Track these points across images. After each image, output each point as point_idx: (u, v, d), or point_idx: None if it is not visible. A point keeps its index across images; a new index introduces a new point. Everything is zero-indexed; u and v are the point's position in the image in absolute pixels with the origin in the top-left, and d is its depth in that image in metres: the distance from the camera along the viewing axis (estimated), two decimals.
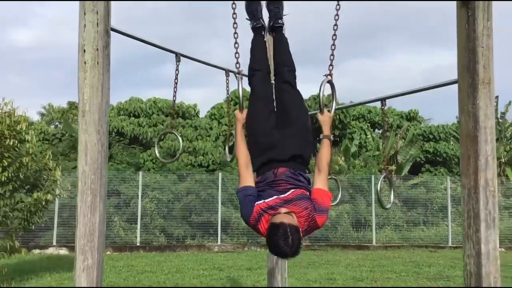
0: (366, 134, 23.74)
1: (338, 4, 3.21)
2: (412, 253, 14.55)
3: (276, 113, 3.36)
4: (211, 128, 21.64)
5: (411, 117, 25.77)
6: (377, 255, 13.92)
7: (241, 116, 3.30)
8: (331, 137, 3.24)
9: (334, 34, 3.23)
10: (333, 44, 3.20)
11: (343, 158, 20.08)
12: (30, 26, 59.29)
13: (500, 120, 22.14)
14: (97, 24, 2.96)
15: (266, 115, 3.29)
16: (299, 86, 3.55)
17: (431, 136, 23.57)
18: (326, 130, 3.24)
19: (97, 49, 2.93)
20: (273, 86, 3.51)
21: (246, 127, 3.30)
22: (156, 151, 5.58)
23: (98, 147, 2.97)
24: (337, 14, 3.25)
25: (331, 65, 3.26)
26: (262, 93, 3.39)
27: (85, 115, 2.93)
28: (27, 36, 56.19)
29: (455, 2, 3.03)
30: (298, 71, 3.55)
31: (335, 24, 3.22)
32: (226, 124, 20.97)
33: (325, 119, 3.27)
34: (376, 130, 25.72)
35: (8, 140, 8.33)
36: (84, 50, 2.93)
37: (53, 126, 27.21)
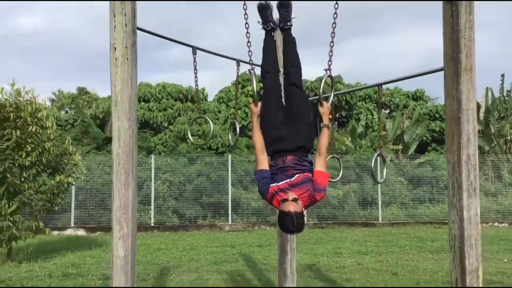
0: (372, 115, 24.04)
1: (336, 3, 3.61)
2: (417, 229, 15.02)
3: (284, 108, 3.96)
4: (219, 111, 22.07)
5: (417, 96, 25.96)
6: (383, 232, 14.41)
7: (256, 109, 3.87)
8: (330, 126, 3.83)
9: (333, 32, 3.66)
10: (332, 42, 3.64)
11: (349, 138, 20.46)
12: (32, 11, 59.51)
13: (506, 98, 22.28)
14: (126, 24, 3.38)
15: (275, 111, 3.89)
16: None
17: (437, 115, 23.81)
18: (326, 119, 3.83)
19: (126, 47, 3.36)
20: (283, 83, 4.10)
21: (260, 119, 3.87)
22: (189, 134, 6.15)
23: (129, 132, 3.40)
24: (335, 13, 3.66)
25: (330, 60, 3.73)
26: (272, 93, 3.99)
27: (117, 105, 3.36)
28: (29, 22, 56.53)
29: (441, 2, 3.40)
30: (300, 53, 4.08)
31: (334, 22, 3.63)
32: (234, 107, 21.38)
33: (324, 110, 3.84)
34: (383, 111, 25.94)
35: (30, 126, 8.83)
36: (115, 48, 3.35)
37: (63, 111, 27.74)
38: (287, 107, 3.96)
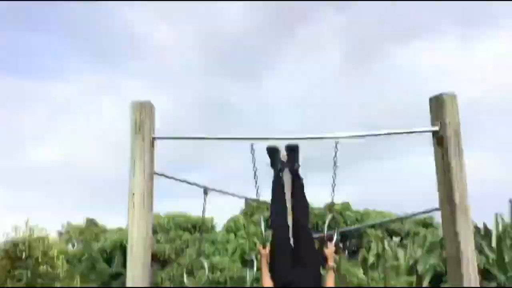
0: (382, 243, 23.61)
1: (335, 153, 4.06)
2: None
3: (293, 250, 4.11)
4: (227, 242, 21.84)
5: (427, 223, 25.77)
6: None
7: (264, 252, 4.06)
8: (334, 267, 4.04)
9: (334, 172, 4.09)
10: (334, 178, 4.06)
11: (361, 270, 19.91)
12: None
13: None
14: (144, 170, 3.72)
15: (284, 257, 4.05)
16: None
17: None
18: (330, 261, 4.02)
19: (143, 194, 3.65)
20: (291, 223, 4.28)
21: (269, 262, 4.02)
22: (185, 279, 6.19)
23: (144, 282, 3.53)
24: (335, 154, 4.07)
25: (333, 190, 4.11)
26: (281, 237, 4.16)
27: (132, 249, 3.55)
28: (44, 155, 58.21)
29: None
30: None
31: (335, 162, 4.07)
32: (243, 237, 21.29)
33: (329, 251, 4.05)
34: (394, 238, 25.55)
35: (41, 266, 8.85)
36: (133, 194, 3.65)
37: (71, 245, 27.73)
38: (295, 248, 4.11)
